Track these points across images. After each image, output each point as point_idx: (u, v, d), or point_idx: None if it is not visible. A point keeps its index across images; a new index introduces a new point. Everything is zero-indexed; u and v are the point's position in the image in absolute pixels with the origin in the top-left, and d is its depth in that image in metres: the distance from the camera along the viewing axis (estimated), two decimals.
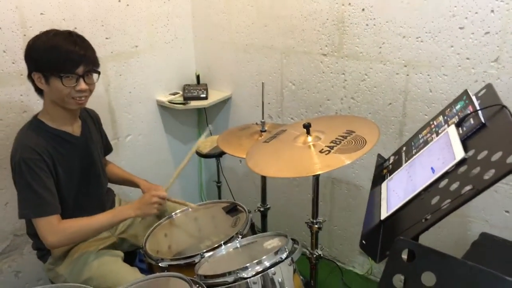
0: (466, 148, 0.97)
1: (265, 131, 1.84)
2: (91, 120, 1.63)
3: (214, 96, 2.37)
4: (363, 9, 1.78)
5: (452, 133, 1.07)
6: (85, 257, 1.48)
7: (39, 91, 1.42)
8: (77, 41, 1.35)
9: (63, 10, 1.80)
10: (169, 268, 1.39)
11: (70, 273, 1.48)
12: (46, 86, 1.35)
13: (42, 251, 1.53)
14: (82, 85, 1.36)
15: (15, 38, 1.66)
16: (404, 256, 0.87)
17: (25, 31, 1.68)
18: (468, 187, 0.84)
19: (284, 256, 1.22)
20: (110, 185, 1.76)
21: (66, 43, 1.32)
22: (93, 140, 1.58)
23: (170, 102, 2.29)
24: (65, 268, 1.49)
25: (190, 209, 1.73)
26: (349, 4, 1.81)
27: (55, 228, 1.34)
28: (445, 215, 0.86)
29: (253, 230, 1.61)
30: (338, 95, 1.99)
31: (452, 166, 0.95)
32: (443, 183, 0.95)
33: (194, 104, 2.30)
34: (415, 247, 0.83)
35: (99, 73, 1.44)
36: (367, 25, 1.79)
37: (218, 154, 2.07)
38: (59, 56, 1.31)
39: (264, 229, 2.06)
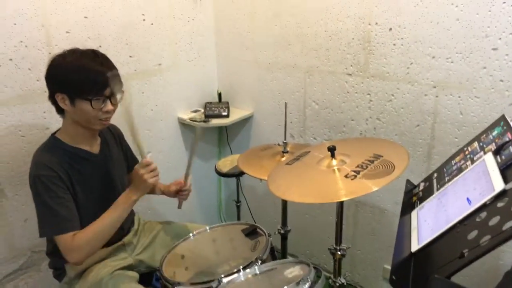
0: (505, 179, 0.90)
1: (287, 152, 1.80)
2: (111, 136, 1.61)
3: (236, 115, 2.35)
4: (390, 29, 1.73)
5: (489, 161, 1.00)
6: (100, 277, 1.45)
7: (61, 111, 1.41)
8: (103, 62, 1.34)
9: (89, 28, 1.81)
10: None
11: None
12: (70, 108, 1.34)
13: (58, 270, 1.51)
14: (109, 106, 1.35)
15: (40, 56, 1.68)
16: None
17: (50, 49, 1.70)
18: (510, 223, 0.77)
19: (306, 287, 1.15)
20: None
21: (93, 65, 1.30)
22: (112, 157, 1.56)
23: (191, 119, 2.28)
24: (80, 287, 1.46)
25: (208, 230, 1.69)
26: (376, 23, 1.76)
27: (70, 244, 1.31)
28: (485, 252, 0.79)
29: (273, 254, 1.54)
30: (363, 116, 1.93)
31: (491, 198, 0.88)
32: (481, 216, 0.88)
33: (215, 122, 2.28)
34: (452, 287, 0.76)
35: (123, 92, 1.43)
36: (394, 45, 1.74)
37: (238, 174, 2.03)
38: (88, 79, 1.29)
39: (284, 251, 2.00)
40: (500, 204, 0.86)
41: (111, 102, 1.36)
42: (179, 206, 1.73)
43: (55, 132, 1.45)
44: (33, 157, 1.38)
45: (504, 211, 0.83)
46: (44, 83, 1.37)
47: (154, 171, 1.43)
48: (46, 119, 1.74)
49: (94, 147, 1.49)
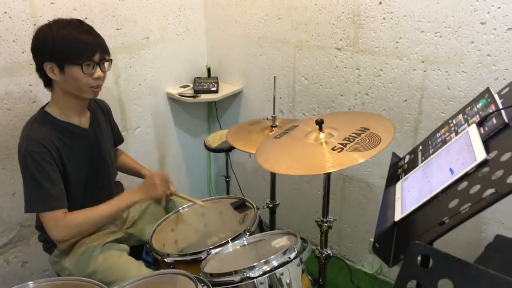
0: (488, 149, 0.92)
1: (275, 126, 1.80)
2: (100, 111, 1.60)
3: (225, 90, 2.34)
4: (380, 2, 1.72)
5: (473, 132, 1.02)
6: (90, 251, 1.46)
7: (48, 84, 1.39)
8: (89, 30, 1.34)
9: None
10: (175, 264, 1.37)
11: (75, 266, 1.46)
12: (60, 76, 1.32)
13: (48, 243, 1.51)
14: (99, 72, 1.35)
15: (25, 28, 1.64)
16: (419, 261, 0.83)
17: (35, 21, 1.66)
18: (490, 191, 0.79)
19: (292, 256, 1.18)
20: (119, 177, 1.74)
21: (80, 32, 1.31)
22: (102, 131, 1.56)
23: (180, 95, 2.26)
24: (70, 261, 1.47)
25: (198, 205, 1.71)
26: None
27: (60, 222, 1.32)
28: (465, 219, 0.81)
29: (261, 227, 1.57)
30: (352, 91, 1.94)
31: (473, 168, 0.91)
32: (462, 185, 0.90)
33: (204, 97, 2.27)
34: (431, 252, 0.79)
35: (111, 60, 1.42)
36: (384, 19, 1.73)
37: (227, 149, 2.04)
38: (78, 45, 1.29)
39: (272, 225, 2.03)
40: (481, 174, 0.88)
41: (100, 68, 1.36)
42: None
43: (44, 106, 1.44)
44: (23, 131, 1.37)
45: (484, 180, 0.85)
46: (30, 55, 1.35)
47: (167, 185, 1.56)
48: (33, 92, 1.72)
49: (84, 121, 1.48)
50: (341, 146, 1.29)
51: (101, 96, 1.62)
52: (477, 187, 0.84)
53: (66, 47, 1.29)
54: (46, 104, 1.44)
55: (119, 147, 1.81)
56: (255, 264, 1.14)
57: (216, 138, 2.12)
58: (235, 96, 2.42)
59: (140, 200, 1.48)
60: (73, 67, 1.30)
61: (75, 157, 1.42)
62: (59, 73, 1.32)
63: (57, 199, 1.33)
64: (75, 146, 1.43)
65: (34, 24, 1.65)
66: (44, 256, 1.61)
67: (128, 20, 1.99)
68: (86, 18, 1.80)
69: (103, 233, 1.55)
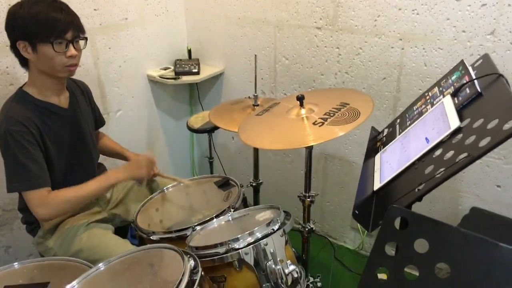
0: (461, 118, 0.96)
1: (257, 105, 1.82)
2: (80, 91, 1.59)
3: (206, 71, 2.33)
4: None
5: (447, 103, 1.06)
6: (74, 230, 1.47)
7: (24, 63, 1.38)
8: (62, 7, 1.32)
9: None
10: (161, 241, 1.39)
11: (59, 246, 1.46)
12: (33, 55, 1.31)
13: (32, 224, 1.51)
14: (72, 50, 1.33)
15: None
16: (397, 224, 0.86)
17: (9, 1, 1.62)
18: (463, 155, 0.83)
19: (276, 227, 1.21)
20: (101, 159, 1.73)
21: (52, 10, 1.28)
22: (82, 112, 1.54)
23: (161, 77, 2.25)
24: (54, 241, 1.47)
25: (182, 184, 1.72)
26: None
27: (44, 200, 1.32)
28: (439, 183, 0.85)
29: (245, 205, 1.60)
30: (332, 70, 1.96)
31: (447, 135, 0.94)
32: (437, 152, 0.94)
33: (185, 79, 2.26)
34: (408, 214, 0.83)
35: (86, 39, 1.41)
36: None
37: (210, 129, 2.05)
38: (48, 22, 1.27)
39: (256, 204, 2.06)
40: (455, 141, 0.92)
41: (74, 47, 1.34)
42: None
43: (22, 86, 1.42)
44: (2, 111, 1.35)
45: (458, 146, 0.89)
46: (6, 36, 1.33)
47: (153, 169, 1.59)
48: (10, 74, 1.68)
49: (63, 101, 1.47)
50: (322, 120, 1.31)
51: (80, 77, 1.61)
52: (451, 152, 0.88)
53: (37, 25, 1.27)
54: (24, 83, 1.42)
55: (100, 130, 1.80)
56: (239, 236, 1.17)
57: (198, 119, 2.13)
58: (216, 78, 2.41)
59: (124, 179, 1.49)
60: (44, 46, 1.29)
61: (55, 136, 1.41)
62: (32, 52, 1.30)
63: (40, 177, 1.32)
64: (55, 126, 1.42)
65: (9, 5, 1.60)
66: (28, 240, 1.60)
67: (105, 0, 1.96)
68: None
69: (87, 214, 1.55)
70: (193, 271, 1.01)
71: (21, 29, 1.28)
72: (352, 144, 2.04)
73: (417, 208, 0.90)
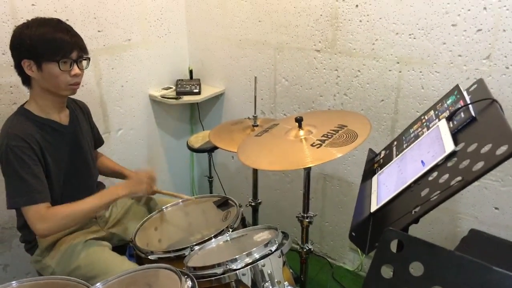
0: (456, 142, 0.98)
1: (257, 125, 1.84)
2: (80, 110, 1.62)
3: (207, 91, 2.36)
4: (356, 5, 1.78)
5: (442, 127, 1.08)
6: (72, 247, 1.46)
7: (26, 82, 1.41)
8: (67, 28, 1.37)
9: (55, 1, 1.78)
10: (159, 261, 1.38)
11: (57, 263, 1.46)
12: (37, 73, 1.35)
13: (30, 243, 1.51)
14: (76, 69, 1.38)
15: (5, 29, 1.64)
16: (393, 247, 0.87)
17: (16, 22, 1.66)
18: (457, 179, 0.85)
19: (274, 248, 1.22)
20: (101, 178, 1.75)
21: (58, 31, 1.34)
22: (82, 129, 1.57)
23: (162, 96, 2.28)
24: (52, 258, 1.47)
25: (181, 203, 1.72)
26: (343, 0, 1.81)
27: (44, 215, 1.32)
28: (434, 206, 0.86)
29: (244, 225, 1.60)
30: (331, 91, 1.99)
31: (442, 159, 0.96)
32: (433, 175, 0.95)
33: (187, 99, 2.29)
34: (403, 237, 0.83)
35: (89, 59, 1.45)
36: (360, 21, 1.79)
37: (210, 149, 2.06)
38: (55, 42, 1.32)
39: (255, 224, 2.06)
40: (449, 164, 0.93)
41: (78, 66, 1.38)
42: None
43: (23, 104, 1.45)
44: (3, 129, 1.38)
45: (452, 169, 0.90)
46: (10, 57, 1.36)
47: (153, 183, 1.59)
48: (13, 94, 1.71)
49: (63, 118, 1.50)
50: (320, 142, 1.33)
51: (82, 97, 1.64)
52: (446, 176, 0.90)
53: (44, 45, 1.32)
54: (25, 102, 1.45)
55: (99, 149, 1.82)
56: (237, 256, 1.17)
57: (198, 139, 2.15)
58: (217, 98, 2.45)
59: (125, 195, 1.48)
60: (50, 64, 1.33)
61: (55, 153, 1.43)
62: (37, 70, 1.34)
63: (39, 192, 1.33)
64: (56, 142, 1.44)
65: (15, 26, 1.64)
66: (26, 259, 1.60)
67: (109, 22, 2.00)
68: (67, 20, 1.79)
69: (85, 232, 1.55)
70: None
71: (28, 48, 1.32)
72: (351, 165, 2.06)
73: (415, 229, 0.91)
